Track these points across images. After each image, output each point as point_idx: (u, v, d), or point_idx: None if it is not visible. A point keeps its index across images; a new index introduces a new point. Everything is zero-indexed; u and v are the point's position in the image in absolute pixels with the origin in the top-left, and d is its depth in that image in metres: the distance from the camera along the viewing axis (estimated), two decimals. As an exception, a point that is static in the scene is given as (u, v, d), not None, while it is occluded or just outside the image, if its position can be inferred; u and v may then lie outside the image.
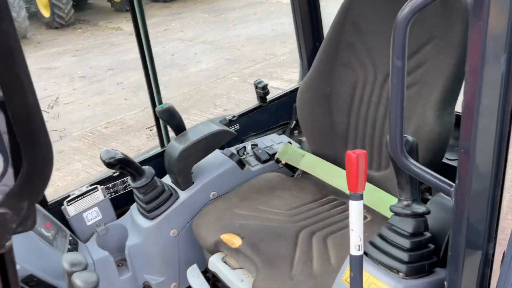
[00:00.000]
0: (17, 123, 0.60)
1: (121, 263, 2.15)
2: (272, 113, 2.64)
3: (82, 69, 8.87)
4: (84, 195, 2.10)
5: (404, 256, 1.37)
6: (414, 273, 1.38)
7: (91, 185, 2.15)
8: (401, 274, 1.38)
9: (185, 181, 2.12)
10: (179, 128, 2.20)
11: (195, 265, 2.06)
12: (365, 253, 1.46)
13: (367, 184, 1.96)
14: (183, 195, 2.11)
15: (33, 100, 0.61)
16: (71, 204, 2.07)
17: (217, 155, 2.24)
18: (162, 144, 2.42)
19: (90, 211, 2.10)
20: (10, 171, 0.63)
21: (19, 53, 0.58)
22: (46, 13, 11.93)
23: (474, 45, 0.97)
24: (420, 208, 1.39)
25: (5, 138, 0.61)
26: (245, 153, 2.34)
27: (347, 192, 1.19)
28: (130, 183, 2.04)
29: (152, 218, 2.06)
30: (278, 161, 2.28)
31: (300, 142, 2.53)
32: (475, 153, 1.08)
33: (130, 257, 2.09)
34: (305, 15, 2.54)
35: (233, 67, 8.11)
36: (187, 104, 6.79)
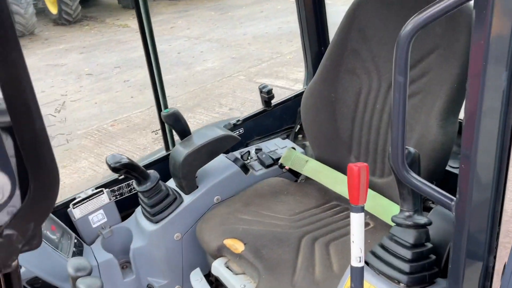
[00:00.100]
0: (24, 148, 0.62)
1: (125, 265, 2.17)
2: (276, 117, 2.65)
3: (89, 66, 8.91)
4: (90, 198, 2.12)
5: (405, 266, 1.38)
6: (415, 283, 1.39)
7: (96, 188, 2.18)
8: (402, 284, 1.39)
9: (189, 185, 2.13)
10: (184, 132, 2.21)
11: (198, 269, 2.08)
12: (366, 263, 1.47)
13: (370, 191, 1.98)
14: (187, 199, 2.13)
15: (40, 126, 0.62)
16: (76, 207, 2.09)
17: (221, 159, 2.26)
18: (167, 147, 2.43)
19: (95, 213, 2.13)
20: (18, 192, 0.64)
21: (27, 81, 0.60)
22: (53, 10, 11.98)
23: (475, 63, 0.98)
24: (421, 219, 1.40)
25: (13, 161, 0.63)
26: (249, 157, 2.36)
27: None
28: (135, 187, 2.06)
29: (157, 222, 2.08)
30: (281, 166, 2.30)
31: (304, 147, 2.54)
32: (476, 168, 1.09)
33: (134, 259, 2.11)
34: (311, 19, 2.55)
35: (239, 66, 8.12)
36: (193, 103, 6.81)
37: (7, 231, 0.65)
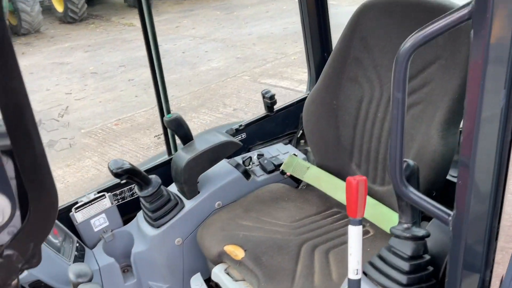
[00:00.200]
0: (24, 171, 0.64)
1: (127, 269, 2.19)
2: (279, 123, 2.66)
3: (94, 64, 8.95)
4: (92, 202, 2.14)
5: (403, 278, 1.39)
6: (412, 295, 1.40)
7: (98, 192, 2.20)
8: (399, 296, 1.40)
9: (191, 191, 2.15)
10: (186, 137, 2.23)
11: (198, 274, 2.10)
12: (365, 273, 1.48)
13: (370, 199, 1.99)
14: (188, 204, 2.15)
15: (40, 150, 0.64)
16: (79, 211, 2.11)
17: (223, 165, 2.27)
18: (169, 152, 2.45)
19: (97, 217, 2.14)
20: (18, 213, 0.66)
21: (28, 107, 0.62)
22: (59, 8, 12.03)
23: (473, 82, 0.99)
24: (419, 232, 1.40)
25: (13, 183, 0.65)
26: (251, 163, 2.37)
27: None
28: (136, 191, 2.08)
29: (158, 227, 2.09)
30: (283, 172, 2.31)
31: (306, 152, 2.55)
32: (473, 184, 1.09)
33: (136, 263, 2.13)
34: (314, 25, 2.55)
35: (243, 66, 8.13)
36: (197, 103, 6.83)
37: (7, 252, 0.66)
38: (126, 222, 2.27)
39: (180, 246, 2.13)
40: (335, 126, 2.13)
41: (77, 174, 5.28)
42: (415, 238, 1.40)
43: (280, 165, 2.34)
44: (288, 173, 2.30)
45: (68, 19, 11.95)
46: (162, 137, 2.55)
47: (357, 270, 1.21)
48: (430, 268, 1.44)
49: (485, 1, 0.92)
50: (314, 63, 2.64)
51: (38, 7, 11.06)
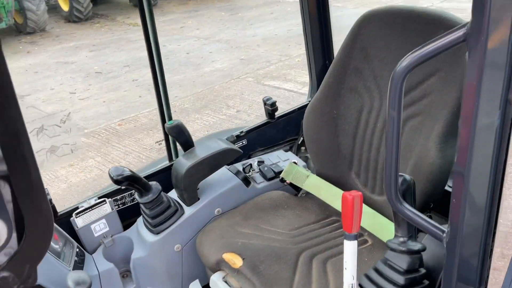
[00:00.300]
0: (20, 195, 0.65)
1: (126, 274, 2.21)
2: (279, 129, 2.67)
3: (98, 64, 8.99)
4: (92, 208, 2.16)
5: (398, 292, 1.40)
6: (407, 308, 1.41)
7: (99, 198, 2.21)
8: (394, 309, 1.41)
9: (190, 197, 2.16)
10: (187, 144, 2.24)
11: (197, 281, 2.11)
12: (361, 286, 1.49)
13: (369, 209, 2.00)
14: (188, 210, 2.16)
15: (35, 176, 0.66)
16: (79, 216, 2.13)
17: (223, 172, 2.28)
18: (170, 158, 2.46)
19: (97, 223, 2.16)
20: (14, 235, 0.68)
21: (24, 135, 0.63)
22: (65, 7, 12.09)
23: (467, 105, 0.99)
24: (415, 245, 1.41)
25: (10, 207, 0.66)
26: (251, 170, 2.38)
27: None
28: (137, 198, 2.10)
29: (157, 233, 2.11)
30: (283, 180, 2.32)
31: (306, 159, 2.56)
32: (467, 202, 1.10)
33: (135, 269, 2.15)
34: (316, 33, 2.56)
35: (247, 68, 8.15)
36: (200, 104, 6.85)
37: (3, 273, 0.68)
38: (126, 227, 2.28)
39: (179, 253, 2.15)
40: (335, 135, 2.14)
41: (80, 174, 5.31)
42: (410, 252, 1.41)
43: (280, 172, 2.35)
44: (287, 181, 2.31)
45: (74, 18, 12.00)
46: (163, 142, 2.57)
47: (352, 284, 1.23)
48: (426, 282, 1.45)
49: (480, 23, 0.93)
50: (315, 70, 2.65)
51: (43, 6, 11.12)
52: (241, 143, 2.56)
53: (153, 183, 2.10)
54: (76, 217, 2.13)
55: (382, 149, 2.00)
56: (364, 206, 1.99)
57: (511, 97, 0.99)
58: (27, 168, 0.65)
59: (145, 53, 2.37)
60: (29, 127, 6.16)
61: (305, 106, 2.40)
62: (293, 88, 7.08)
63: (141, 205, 2.11)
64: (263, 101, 2.60)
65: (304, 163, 2.47)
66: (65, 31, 11.57)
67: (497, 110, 1.01)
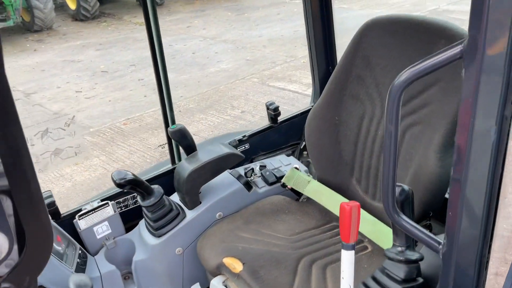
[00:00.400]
0: (21, 209, 0.68)
1: (128, 276, 2.23)
2: (282, 134, 2.68)
3: (105, 63, 9.03)
4: (95, 210, 2.18)
5: (395, 301, 1.42)
6: (404, 318, 1.42)
7: (102, 200, 2.24)
8: (391, 318, 1.42)
9: (192, 201, 2.18)
10: (190, 148, 2.26)
11: (197, 284, 2.13)
12: (358, 294, 1.50)
13: (369, 216, 2.01)
14: (190, 214, 2.18)
15: (36, 190, 0.68)
16: (82, 218, 2.16)
17: (225, 176, 2.30)
18: (173, 161, 2.49)
19: (100, 225, 2.19)
20: (15, 247, 0.70)
21: (25, 151, 0.65)
22: (72, 5, 12.15)
23: (464, 118, 1.01)
24: (413, 255, 1.43)
25: (11, 220, 0.68)
26: (253, 174, 2.39)
27: None
28: (139, 201, 2.12)
29: (159, 236, 2.13)
30: (284, 185, 2.33)
31: (308, 164, 2.57)
32: (463, 214, 1.11)
33: (136, 271, 2.17)
34: (319, 39, 2.58)
35: (252, 68, 8.16)
36: (205, 104, 6.87)
37: (4, 284, 0.70)
38: (129, 229, 2.31)
39: (180, 256, 2.17)
40: (336, 142, 2.15)
41: (84, 173, 5.35)
42: (408, 262, 1.42)
43: (282, 177, 2.36)
44: (289, 186, 2.33)
45: (81, 16, 12.07)
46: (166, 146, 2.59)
47: (348, 293, 1.24)
48: (423, 291, 1.46)
49: (476, 41, 0.94)
50: (318, 76, 2.66)
51: (51, 4, 11.18)
52: (243, 147, 2.57)
53: (155, 187, 2.12)
54: (79, 219, 2.16)
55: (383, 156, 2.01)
56: (364, 212, 2.02)
57: (507, 113, 1.01)
58: (28, 183, 0.67)
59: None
60: (35, 129, 6.23)
61: (308, 111, 2.41)
62: (298, 90, 7.09)
63: (143, 208, 2.13)
64: (266, 105, 2.62)
65: (305, 168, 2.49)
66: (72, 30, 11.64)
67: (494, 126, 1.02)
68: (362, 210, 2.02)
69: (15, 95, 7.71)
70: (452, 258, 1.17)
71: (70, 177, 5.26)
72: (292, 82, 7.42)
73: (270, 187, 2.36)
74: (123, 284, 2.16)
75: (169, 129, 2.26)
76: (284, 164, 2.50)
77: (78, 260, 2.04)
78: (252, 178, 2.38)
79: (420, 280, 1.46)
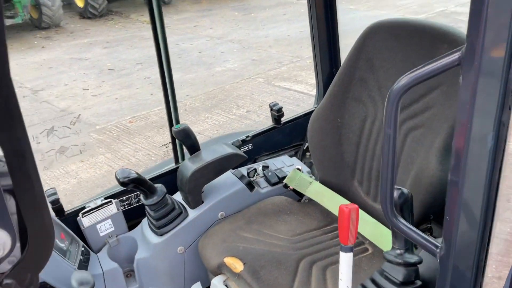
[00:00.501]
0: (24, 209, 0.70)
1: (130, 273, 2.25)
2: (285, 134, 2.70)
3: (112, 61, 9.07)
4: (99, 208, 2.20)
5: (393, 303, 1.43)
6: (402, 320, 1.43)
7: (105, 198, 2.26)
8: (389, 320, 1.43)
9: (195, 200, 2.20)
10: (193, 148, 2.28)
11: (198, 283, 2.15)
12: (357, 295, 1.52)
13: (370, 218, 2.02)
14: (192, 213, 2.20)
15: (39, 190, 0.70)
16: (86, 215, 2.18)
17: (228, 176, 2.32)
18: (176, 160, 2.51)
19: (103, 223, 2.21)
20: (18, 245, 0.72)
21: (29, 153, 0.68)
22: (80, 3, 12.21)
23: (461, 124, 1.02)
24: (412, 258, 1.44)
25: (14, 218, 0.71)
26: (256, 174, 2.41)
27: None
28: (142, 200, 2.14)
29: (161, 235, 2.15)
30: (286, 186, 2.35)
31: (310, 165, 2.58)
32: (460, 219, 1.12)
33: (138, 269, 2.19)
34: (323, 41, 2.59)
35: (258, 68, 8.18)
36: (211, 103, 6.89)
37: (6, 281, 0.72)
38: (132, 227, 2.33)
39: (182, 255, 2.19)
40: (338, 143, 2.16)
41: (90, 170, 5.38)
42: (407, 265, 1.43)
43: (284, 177, 2.38)
44: (291, 187, 2.34)
45: (88, 14, 12.12)
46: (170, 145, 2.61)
47: (346, 295, 1.25)
48: (421, 294, 1.47)
49: (474, 48, 0.95)
50: (322, 77, 2.67)
51: (59, 2, 11.24)
52: (246, 147, 2.59)
53: (158, 186, 2.14)
54: (83, 217, 2.18)
55: (385, 159, 2.02)
56: (365, 215, 2.03)
57: (505, 119, 1.02)
58: (31, 184, 0.69)
59: (158, 51, 2.41)
60: (41, 128, 6.29)
61: (311, 112, 2.42)
62: (304, 90, 7.10)
63: (146, 207, 2.15)
64: (270, 106, 2.63)
65: (308, 169, 2.50)
66: (80, 27, 11.70)
67: (491, 132, 1.03)
68: (363, 212, 2.03)
69: (23, 92, 7.80)
70: (449, 262, 1.18)
71: (75, 174, 5.29)
72: (298, 82, 7.43)
73: (272, 187, 2.37)
74: (125, 282, 2.19)
75: (173, 128, 2.28)
76: (286, 164, 2.51)
77: (81, 257, 2.06)
78: (254, 178, 2.39)
79: (419, 283, 1.46)
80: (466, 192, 1.07)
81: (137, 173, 2.05)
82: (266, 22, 10.95)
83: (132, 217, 2.35)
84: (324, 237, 2.11)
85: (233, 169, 2.38)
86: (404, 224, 1.22)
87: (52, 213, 2.14)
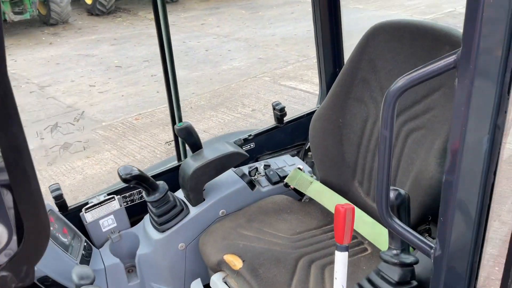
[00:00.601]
0: (21, 203, 0.72)
1: (131, 269, 2.27)
2: (288, 134, 2.71)
3: (119, 58, 9.12)
4: (102, 204, 2.23)
5: (389, 303, 1.44)
6: (397, 320, 1.44)
7: (108, 194, 2.29)
8: (384, 320, 1.44)
9: (196, 198, 2.22)
10: (195, 146, 2.30)
11: (199, 279, 2.17)
12: (353, 294, 1.53)
13: (370, 218, 2.03)
14: (193, 211, 2.22)
15: (35, 186, 0.72)
16: (89, 211, 2.21)
17: (229, 174, 2.34)
18: (179, 158, 2.53)
19: (106, 218, 2.23)
20: (14, 238, 0.74)
21: (26, 149, 0.69)
22: (88, 0, 12.26)
23: (457, 126, 1.03)
24: (408, 258, 1.45)
25: (11, 212, 0.73)
26: (257, 173, 2.42)
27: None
28: (144, 196, 2.16)
29: (163, 231, 2.17)
30: (287, 185, 2.36)
31: (312, 165, 2.59)
32: (454, 220, 1.13)
33: (140, 265, 2.21)
34: (327, 41, 2.60)
35: (264, 67, 8.19)
36: (216, 102, 6.92)
37: (2, 273, 0.74)
38: (134, 223, 2.35)
39: (183, 251, 2.21)
40: (340, 144, 2.17)
41: (95, 166, 5.42)
42: (403, 265, 1.45)
43: (285, 177, 2.39)
44: (292, 186, 2.35)
45: (96, 11, 12.18)
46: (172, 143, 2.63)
47: (341, 294, 1.27)
48: (417, 294, 1.48)
49: (469, 52, 0.96)
50: (325, 77, 2.68)
51: (67, -2, 11.32)
52: (249, 146, 2.60)
53: (161, 183, 2.16)
54: (86, 212, 2.21)
55: (385, 160, 2.03)
56: (365, 215, 2.04)
57: (500, 122, 1.02)
58: (27, 179, 0.71)
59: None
60: (45, 124, 6.35)
61: (314, 111, 2.43)
62: (309, 89, 7.10)
63: (148, 203, 2.18)
64: (272, 105, 2.64)
65: (310, 169, 2.51)
66: (87, 24, 11.76)
67: (486, 134, 1.04)
68: (362, 213, 2.05)
69: (30, 87, 7.86)
70: (443, 262, 1.19)
71: (81, 170, 5.33)
72: (304, 81, 7.44)
73: (273, 186, 2.39)
74: (126, 277, 2.21)
75: (175, 126, 2.30)
76: (288, 164, 2.52)
77: (83, 252, 2.09)
78: (256, 177, 2.41)
79: (414, 283, 1.48)
80: (461, 194, 1.08)
81: (139, 170, 2.07)
82: (273, 20, 10.95)
83: (135, 213, 2.37)
84: (323, 237, 2.12)
85: (235, 167, 2.39)
86: (398, 224, 1.24)
87: (55, 208, 2.17)
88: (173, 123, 2.44)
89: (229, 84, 7.57)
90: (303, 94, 6.99)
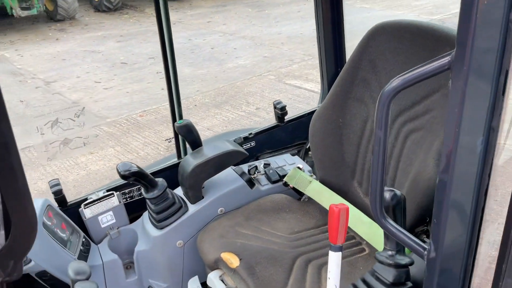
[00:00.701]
0: (8, 199, 0.72)
1: (129, 265, 2.28)
2: (288, 133, 2.71)
3: (125, 55, 9.14)
4: (101, 200, 2.24)
5: (383, 304, 1.44)
6: (391, 321, 1.44)
7: (108, 191, 2.29)
8: (378, 321, 1.44)
9: (195, 196, 2.22)
10: (195, 143, 2.30)
11: (196, 277, 2.17)
12: (348, 294, 1.53)
13: (367, 218, 2.03)
14: (192, 208, 2.22)
15: (23, 183, 0.72)
16: (88, 207, 2.22)
17: (228, 172, 2.34)
18: (179, 155, 2.53)
19: (105, 214, 2.24)
20: (2, 233, 0.75)
21: (13, 146, 0.70)
22: (95, -4, 12.31)
23: (451, 128, 1.02)
24: (403, 259, 1.44)
25: None
26: (257, 171, 2.42)
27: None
28: (143, 193, 2.17)
29: (161, 228, 2.18)
30: (286, 184, 2.36)
31: (312, 164, 2.59)
32: (447, 221, 1.13)
33: (138, 261, 2.22)
34: (329, 41, 2.59)
35: (270, 65, 8.18)
36: (221, 99, 6.92)
37: (-11, 268, 0.75)
38: (133, 220, 2.36)
39: (181, 248, 2.21)
40: (339, 143, 2.17)
41: (99, 162, 5.45)
42: (398, 266, 1.44)
43: (284, 176, 2.38)
44: (291, 185, 2.35)
45: (103, 8, 12.22)
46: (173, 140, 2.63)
47: (334, 294, 1.26)
48: (411, 295, 1.47)
49: (463, 54, 0.95)
50: (327, 77, 2.68)
51: (74, -5, 11.36)
52: (249, 145, 2.60)
53: (160, 180, 2.17)
54: (85, 208, 2.22)
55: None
56: (363, 215, 2.03)
57: (495, 124, 1.02)
58: (15, 176, 0.71)
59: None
60: (45, 119, 6.37)
61: (315, 111, 2.42)
62: (314, 88, 7.09)
63: (147, 200, 2.18)
64: (273, 104, 2.64)
65: (309, 168, 2.51)
66: (94, 20, 11.80)
67: (480, 136, 1.03)
68: (361, 213, 2.04)
69: (36, 83, 7.89)
70: (436, 263, 1.19)
71: (84, 166, 5.36)
72: (309, 80, 7.43)
73: (272, 185, 2.38)
74: (124, 273, 2.22)
75: (176, 123, 2.31)
76: (288, 163, 2.52)
77: (82, 247, 2.10)
78: (255, 175, 2.41)
79: (409, 284, 1.47)
80: (454, 195, 1.08)
81: (138, 167, 2.07)
82: (279, 19, 10.94)
83: (134, 210, 2.38)
84: (321, 236, 2.12)
85: (235, 165, 2.39)
86: (392, 225, 1.23)
87: (55, 204, 2.18)
88: (173, 120, 2.44)
89: (234, 82, 7.57)
90: (307, 93, 6.98)
